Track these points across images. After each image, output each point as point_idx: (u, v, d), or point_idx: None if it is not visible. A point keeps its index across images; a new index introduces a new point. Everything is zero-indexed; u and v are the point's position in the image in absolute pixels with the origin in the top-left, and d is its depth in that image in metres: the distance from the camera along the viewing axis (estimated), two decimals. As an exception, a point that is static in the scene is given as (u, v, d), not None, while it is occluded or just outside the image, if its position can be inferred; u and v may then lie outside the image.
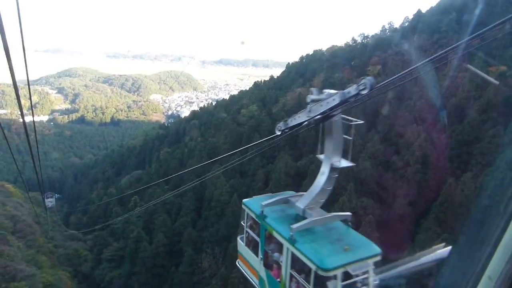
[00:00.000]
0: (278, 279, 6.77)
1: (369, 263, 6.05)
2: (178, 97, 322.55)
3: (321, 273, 5.68)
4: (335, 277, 5.78)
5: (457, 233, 31.54)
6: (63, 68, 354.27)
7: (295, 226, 6.31)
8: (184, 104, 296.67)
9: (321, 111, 6.24)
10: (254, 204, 7.52)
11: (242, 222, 7.82)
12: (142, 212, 60.23)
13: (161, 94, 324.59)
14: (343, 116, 6.60)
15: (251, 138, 63.12)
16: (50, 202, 73.96)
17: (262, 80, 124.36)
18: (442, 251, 6.91)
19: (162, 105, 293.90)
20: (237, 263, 8.34)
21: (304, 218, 6.85)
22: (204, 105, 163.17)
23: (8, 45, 4.35)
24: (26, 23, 5.06)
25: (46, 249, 62.97)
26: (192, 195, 57.44)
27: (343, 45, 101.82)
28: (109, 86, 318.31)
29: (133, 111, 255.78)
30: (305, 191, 7.13)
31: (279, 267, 6.73)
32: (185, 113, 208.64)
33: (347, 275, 5.89)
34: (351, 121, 6.54)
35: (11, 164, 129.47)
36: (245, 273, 7.99)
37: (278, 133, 7.26)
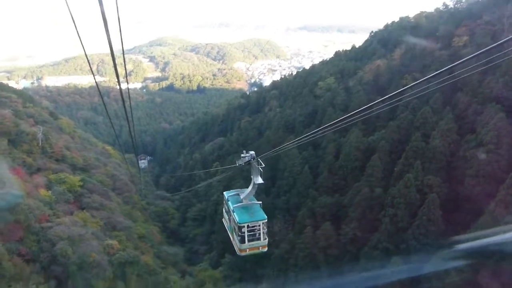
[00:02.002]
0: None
1: (260, 222, 12.19)
2: (261, 65, 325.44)
3: (239, 224, 12.01)
4: (244, 226, 12.05)
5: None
6: (154, 37, 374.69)
7: (235, 205, 12.65)
8: (267, 72, 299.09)
9: (245, 161, 11.90)
10: (226, 193, 13.77)
11: (224, 202, 14.02)
12: (222, 177, 65.26)
13: (245, 62, 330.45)
14: (258, 160, 11.90)
15: (325, 111, 64.54)
16: (143, 163, 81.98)
17: (343, 50, 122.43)
18: None
19: (246, 73, 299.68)
20: (223, 220, 14.82)
21: (241, 202, 12.90)
22: (286, 74, 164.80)
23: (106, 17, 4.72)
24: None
25: (139, 206, 70.71)
26: (267, 164, 60.94)
27: (433, 11, 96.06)
28: (195, 55, 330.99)
29: (217, 79, 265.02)
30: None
31: (230, 222, 13.24)
32: (268, 81, 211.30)
33: (250, 227, 12.11)
34: (260, 164, 11.87)
35: (110, 128, 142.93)
36: (225, 223, 14.39)
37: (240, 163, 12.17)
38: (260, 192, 44.52)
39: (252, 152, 11.42)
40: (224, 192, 13.73)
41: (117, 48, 5.84)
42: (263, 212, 12.31)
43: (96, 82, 9.90)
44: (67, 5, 5.37)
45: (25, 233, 34.90)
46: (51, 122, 79.10)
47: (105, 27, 4.80)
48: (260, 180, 11.70)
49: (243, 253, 12.27)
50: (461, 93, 48.62)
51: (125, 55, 7.41)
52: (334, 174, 51.10)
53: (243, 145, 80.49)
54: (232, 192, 13.42)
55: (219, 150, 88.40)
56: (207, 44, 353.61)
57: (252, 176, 11.83)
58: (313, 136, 10.98)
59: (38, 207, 38.30)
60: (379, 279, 34.43)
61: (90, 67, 8.44)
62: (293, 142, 13.77)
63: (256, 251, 12.37)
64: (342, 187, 49.26)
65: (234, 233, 12.45)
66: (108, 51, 5.56)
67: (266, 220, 12.10)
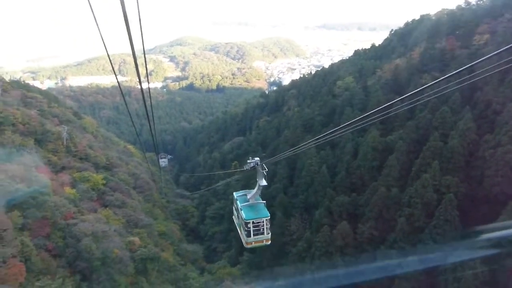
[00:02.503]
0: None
1: (264, 219, 13.33)
2: (281, 63, 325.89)
3: (245, 221, 13.16)
4: (250, 222, 13.20)
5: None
6: (174, 37, 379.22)
7: (242, 204, 13.90)
8: (286, 70, 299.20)
9: (251, 166, 12.72)
10: (236, 194, 14.94)
11: (233, 201, 15.21)
12: (241, 176, 66.01)
13: (264, 61, 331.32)
14: (262, 165, 12.73)
15: (343, 111, 64.65)
16: (163, 162, 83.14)
17: (363, 48, 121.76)
18: None
19: (265, 72, 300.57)
20: (233, 217, 16.11)
21: (248, 201, 14.04)
22: (305, 73, 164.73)
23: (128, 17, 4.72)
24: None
25: (160, 204, 72.26)
26: (285, 163, 61.58)
27: (454, 8, 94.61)
28: (215, 54, 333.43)
29: (237, 78, 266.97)
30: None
31: (239, 219, 14.54)
32: (287, 80, 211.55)
33: (255, 223, 13.28)
34: (264, 169, 12.80)
35: (132, 127, 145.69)
36: (234, 220, 15.73)
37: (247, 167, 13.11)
38: (278, 191, 45.46)
39: (257, 159, 12.65)
40: (234, 193, 15.09)
41: (138, 48, 5.89)
42: (267, 210, 13.65)
43: (118, 81, 10.32)
44: (90, 6, 5.53)
45: (51, 229, 36.41)
46: (75, 121, 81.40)
47: (126, 27, 4.81)
48: (264, 183, 12.98)
49: (249, 246, 13.84)
50: (481, 92, 48.16)
51: (146, 55, 7.64)
52: (352, 173, 51.31)
53: (261, 145, 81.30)
54: (241, 193, 14.82)
55: (238, 149, 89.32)
56: (226, 43, 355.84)
57: (257, 179, 13.07)
58: (328, 137, 11.49)
59: (63, 205, 39.83)
60: (402, 267, 34.85)
61: (112, 67, 8.60)
62: (307, 144, 14.43)
63: (260, 244, 13.82)
64: (359, 187, 49.45)
65: (242, 228, 13.99)
66: (130, 51, 5.58)
67: (269, 217, 13.48)
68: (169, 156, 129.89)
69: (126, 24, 4.75)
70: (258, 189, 13.39)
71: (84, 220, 39.36)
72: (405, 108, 30.29)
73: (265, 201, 14.12)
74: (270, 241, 13.77)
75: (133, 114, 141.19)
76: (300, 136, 65.66)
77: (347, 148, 54.51)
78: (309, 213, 51.87)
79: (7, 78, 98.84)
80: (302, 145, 14.12)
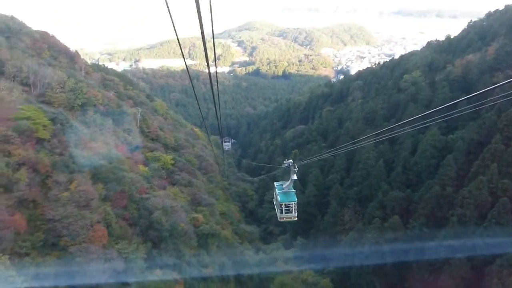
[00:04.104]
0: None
1: (293, 203, 17.54)
2: (350, 51, 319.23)
3: (280, 203, 17.52)
4: (283, 204, 17.50)
5: None
6: (243, 22, 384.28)
7: (279, 191, 17.89)
8: (355, 59, 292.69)
9: (285, 165, 16.49)
10: (276, 183, 18.83)
11: (274, 188, 19.04)
12: (300, 165, 68.18)
13: (333, 48, 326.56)
14: (294, 165, 16.34)
15: (407, 107, 64.36)
16: (227, 145, 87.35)
17: (436, 40, 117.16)
18: None
19: (333, 60, 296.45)
20: (273, 200, 19.68)
21: (283, 189, 17.99)
22: (375, 62, 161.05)
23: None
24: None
25: (222, 186, 76.41)
26: (343, 155, 62.97)
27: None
28: (283, 40, 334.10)
29: (303, 65, 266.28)
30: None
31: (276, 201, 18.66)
32: (355, 68, 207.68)
33: (286, 205, 17.58)
34: (295, 168, 16.32)
35: (198, 110, 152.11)
36: (274, 202, 19.41)
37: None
38: (335, 181, 47.70)
39: (291, 160, 16.79)
40: (274, 183, 19.41)
41: (207, 32, 5.99)
42: (295, 196, 17.91)
43: (186, 65, 10.18)
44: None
45: (128, 202, 41.66)
46: (147, 103, 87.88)
47: (197, 11, 4.92)
48: (295, 177, 16.87)
49: (281, 220, 18.69)
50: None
51: (215, 40, 7.69)
52: (408, 169, 51.88)
53: (322, 135, 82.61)
54: (279, 183, 19.05)
55: (299, 138, 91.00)
56: (295, 29, 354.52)
57: (291, 174, 16.88)
58: (383, 136, 13.61)
59: (138, 181, 45.11)
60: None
61: (182, 52, 9.00)
62: (342, 147, 16.83)
63: (289, 219, 18.41)
64: (414, 183, 50.02)
65: (277, 208, 18.42)
66: (200, 35, 5.73)
67: (296, 202, 17.78)
68: (233, 140, 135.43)
69: (197, 8, 4.87)
70: (291, 182, 17.43)
71: (156, 196, 44.40)
72: (470, 110, 30.69)
73: (295, 190, 18.31)
74: (297, 218, 18.45)
75: (201, 98, 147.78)
76: (361, 129, 66.20)
77: (406, 144, 54.86)
78: (362, 205, 53.33)
79: (87, 59, 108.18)
80: (333, 150, 18.17)
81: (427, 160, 50.01)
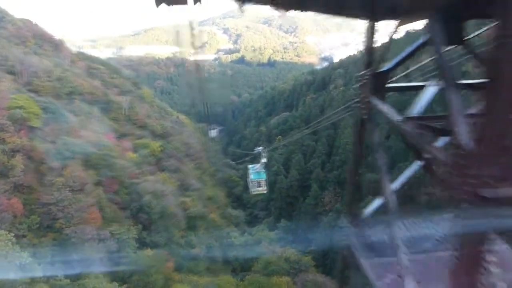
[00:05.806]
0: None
1: (263, 180, 22.54)
2: (334, 38, 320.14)
3: (252, 180, 22.52)
4: (254, 181, 22.42)
5: None
6: (228, 9, 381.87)
7: (251, 171, 22.52)
8: (339, 46, 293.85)
9: (256, 151, 20.78)
10: (250, 165, 22.48)
11: (248, 169, 23.24)
12: (283, 150, 70.71)
13: (317, 36, 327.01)
14: (264, 151, 21.69)
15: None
16: (213, 133, 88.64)
17: (413, 29, 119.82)
18: None
19: (317, 47, 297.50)
20: (247, 179, 23.23)
21: (256, 170, 22.39)
22: (358, 49, 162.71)
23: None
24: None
25: (209, 172, 78.72)
26: (325, 141, 65.75)
27: None
28: (268, 27, 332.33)
29: (288, 52, 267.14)
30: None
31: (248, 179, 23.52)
32: (339, 56, 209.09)
33: (257, 182, 22.49)
34: (265, 152, 21.85)
35: (184, 98, 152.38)
36: (247, 179, 24.05)
37: None
38: (316, 166, 50.24)
39: (261, 147, 20.64)
40: (248, 165, 23.04)
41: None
42: (265, 175, 21.49)
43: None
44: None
45: (119, 187, 43.67)
46: (133, 92, 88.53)
47: None
48: (265, 160, 20.84)
49: (254, 193, 22.67)
50: None
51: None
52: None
53: (305, 121, 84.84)
54: (252, 165, 22.56)
55: (283, 125, 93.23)
56: (279, 16, 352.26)
57: (261, 158, 20.25)
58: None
59: (128, 166, 47.10)
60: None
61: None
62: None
63: (260, 192, 22.54)
64: (389, 166, 52.66)
65: (250, 184, 22.05)
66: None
67: (265, 179, 21.49)
68: (220, 128, 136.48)
69: None
70: (261, 164, 21.16)
71: (146, 181, 46.53)
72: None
73: (265, 170, 21.82)
74: (266, 191, 23.16)
75: (186, 86, 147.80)
76: (340, 116, 68.65)
77: (383, 130, 57.52)
78: (341, 188, 56.17)
79: (71, 47, 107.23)
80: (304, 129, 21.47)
81: (399, 143, 52.77)
